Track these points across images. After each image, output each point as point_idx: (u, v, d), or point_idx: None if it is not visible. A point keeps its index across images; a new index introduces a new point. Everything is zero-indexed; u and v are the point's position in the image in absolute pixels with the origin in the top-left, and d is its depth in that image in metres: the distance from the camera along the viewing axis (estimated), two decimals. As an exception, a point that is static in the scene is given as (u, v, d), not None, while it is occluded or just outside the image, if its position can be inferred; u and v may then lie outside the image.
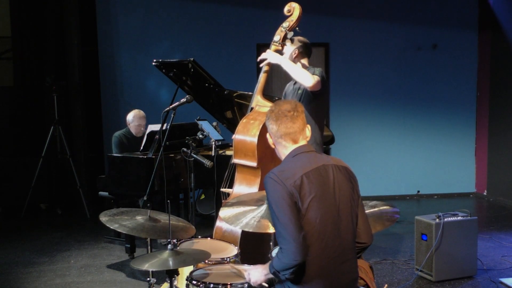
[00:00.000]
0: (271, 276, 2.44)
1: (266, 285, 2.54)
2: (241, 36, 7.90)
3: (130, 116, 5.82)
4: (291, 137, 2.50)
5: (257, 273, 2.55)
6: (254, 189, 3.86)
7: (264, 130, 3.76)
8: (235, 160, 3.98)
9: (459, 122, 8.30)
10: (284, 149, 2.53)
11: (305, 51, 4.01)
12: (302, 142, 2.52)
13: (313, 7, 7.72)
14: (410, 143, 8.25)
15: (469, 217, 4.65)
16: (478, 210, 7.51)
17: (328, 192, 2.39)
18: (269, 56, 3.89)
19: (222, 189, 4.24)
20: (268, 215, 3.03)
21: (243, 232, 3.65)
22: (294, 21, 3.88)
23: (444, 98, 8.22)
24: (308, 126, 2.57)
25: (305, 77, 3.68)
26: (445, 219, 4.50)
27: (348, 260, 2.42)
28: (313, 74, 3.76)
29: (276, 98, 5.06)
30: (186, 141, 4.40)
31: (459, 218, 4.60)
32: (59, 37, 7.67)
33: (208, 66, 5.72)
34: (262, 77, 4.01)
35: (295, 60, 3.97)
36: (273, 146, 2.59)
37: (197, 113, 5.71)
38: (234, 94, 5.54)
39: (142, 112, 5.85)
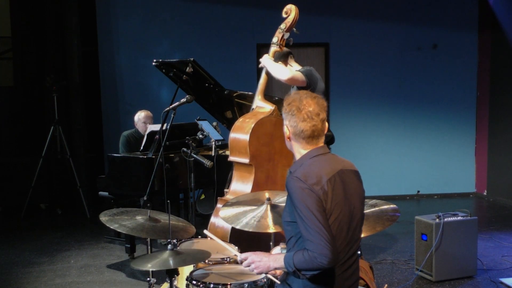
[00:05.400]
0: (278, 269, 2.44)
1: (274, 279, 2.53)
2: (241, 36, 7.90)
3: (135, 117, 5.92)
4: (316, 140, 2.41)
5: (264, 265, 2.45)
6: (249, 185, 3.97)
7: (257, 129, 3.87)
8: (231, 158, 4.15)
9: (459, 122, 8.30)
10: (302, 149, 2.43)
11: (286, 58, 4.30)
12: (320, 144, 2.45)
13: (313, 7, 7.73)
14: (410, 143, 8.25)
15: (469, 217, 4.64)
16: (478, 210, 7.51)
17: (346, 198, 2.36)
18: (262, 59, 4.16)
19: (226, 190, 4.34)
20: (269, 215, 3.04)
21: (233, 229, 3.69)
22: (291, 22, 4.05)
23: (444, 98, 8.21)
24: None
25: (281, 71, 3.99)
26: (445, 219, 4.50)
27: (354, 263, 2.42)
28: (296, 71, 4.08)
29: (276, 98, 5.09)
30: (186, 141, 4.41)
31: (459, 218, 4.60)
32: (59, 37, 7.66)
33: (208, 66, 5.73)
34: (262, 78, 4.16)
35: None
36: (287, 139, 2.47)
37: (197, 113, 5.72)
38: (234, 94, 5.54)
39: (148, 112, 5.92)
